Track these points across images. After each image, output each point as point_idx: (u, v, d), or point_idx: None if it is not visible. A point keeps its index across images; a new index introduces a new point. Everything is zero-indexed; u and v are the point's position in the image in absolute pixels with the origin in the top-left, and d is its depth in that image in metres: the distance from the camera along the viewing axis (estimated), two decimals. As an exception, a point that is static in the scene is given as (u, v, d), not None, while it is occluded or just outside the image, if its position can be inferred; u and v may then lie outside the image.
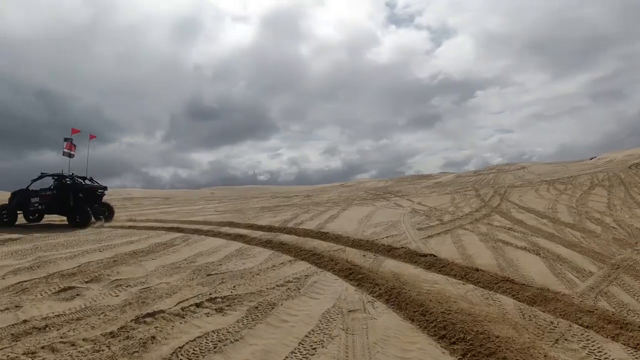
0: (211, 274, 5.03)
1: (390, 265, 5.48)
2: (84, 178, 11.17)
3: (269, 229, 8.77)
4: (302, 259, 5.83)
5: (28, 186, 10.45)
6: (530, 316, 3.67)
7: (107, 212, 11.20)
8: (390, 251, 6.24)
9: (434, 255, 5.79)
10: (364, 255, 6.01)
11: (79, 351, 2.94)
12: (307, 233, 8.00)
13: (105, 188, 11.35)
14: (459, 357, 2.94)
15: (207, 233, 8.29)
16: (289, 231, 8.33)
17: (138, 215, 13.93)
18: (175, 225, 9.73)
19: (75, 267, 5.37)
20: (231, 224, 9.63)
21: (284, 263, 5.63)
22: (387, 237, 7.36)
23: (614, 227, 7.82)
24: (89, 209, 10.11)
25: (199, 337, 3.18)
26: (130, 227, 9.71)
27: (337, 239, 7.28)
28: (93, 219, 10.22)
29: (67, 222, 10.16)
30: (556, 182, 18.86)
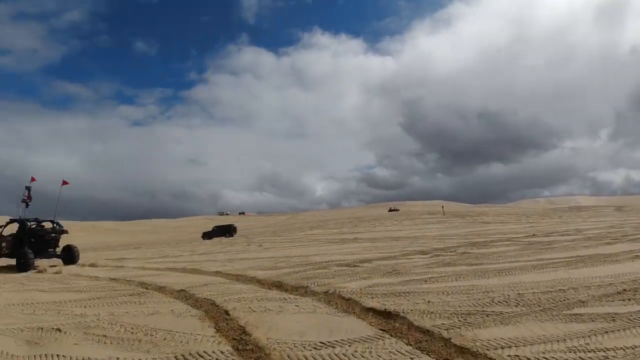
0: None
1: None
2: (51, 222, 11.47)
3: None
4: None
5: (1, 232, 10.96)
6: None
7: (69, 255, 11.27)
8: None
9: None
10: None
11: None
12: None
13: (60, 232, 11.36)
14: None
15: None
16: None
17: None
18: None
19: None
20: None
21: None
22: None
23: None
24: (29, 253, 10.15)
25: None
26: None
27: None
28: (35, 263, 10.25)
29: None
30: None
